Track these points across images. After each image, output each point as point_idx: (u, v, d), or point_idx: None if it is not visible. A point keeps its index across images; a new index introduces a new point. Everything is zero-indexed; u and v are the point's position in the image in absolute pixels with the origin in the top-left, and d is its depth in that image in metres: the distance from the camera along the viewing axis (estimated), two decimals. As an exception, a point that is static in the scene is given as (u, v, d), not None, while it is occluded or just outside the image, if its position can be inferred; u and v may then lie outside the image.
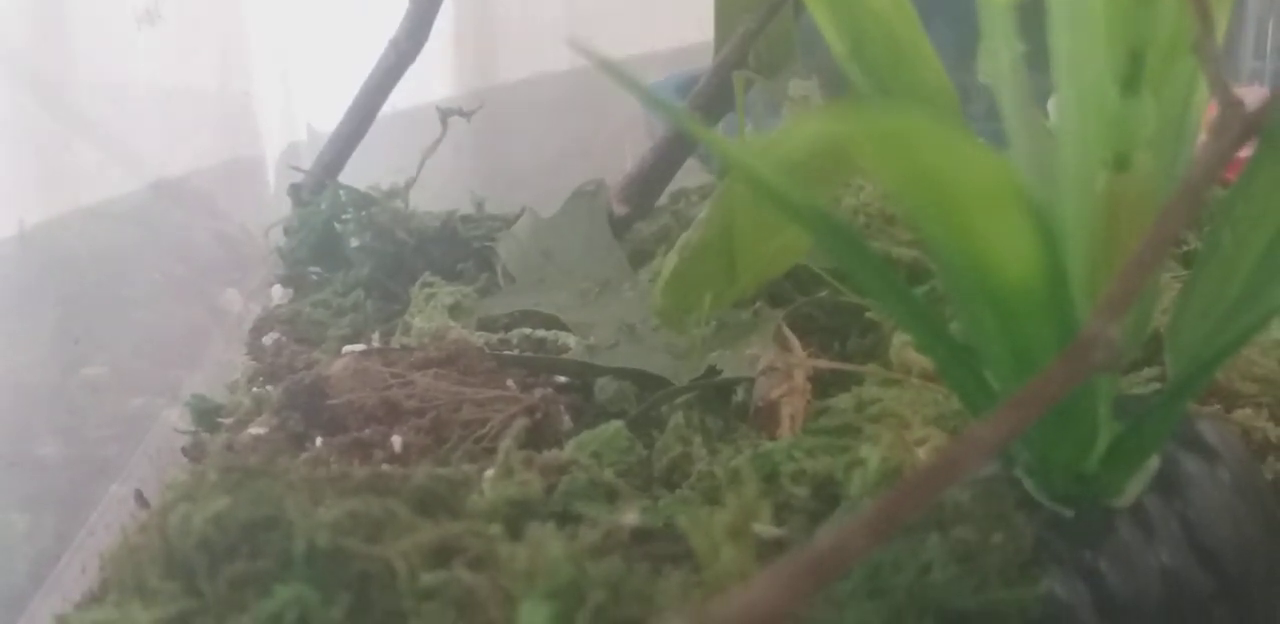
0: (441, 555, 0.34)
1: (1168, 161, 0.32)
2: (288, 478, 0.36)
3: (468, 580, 0.33)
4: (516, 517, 0.38)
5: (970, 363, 0.34)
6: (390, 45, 0.68)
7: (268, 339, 0.64)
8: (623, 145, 0.99)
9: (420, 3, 0.66)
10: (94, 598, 0.37)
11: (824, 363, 0.51)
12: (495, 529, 0.36)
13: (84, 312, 0.65)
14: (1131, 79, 0.31)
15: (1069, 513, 0.35)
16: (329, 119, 0.94)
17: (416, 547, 0.34)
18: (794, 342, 0.55)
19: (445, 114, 0.70)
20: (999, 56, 0.33)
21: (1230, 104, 0.32)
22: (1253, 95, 0.66)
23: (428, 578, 0.34)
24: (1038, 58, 0.35)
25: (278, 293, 0.70)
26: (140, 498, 0.47)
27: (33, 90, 0.65)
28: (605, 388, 0.54)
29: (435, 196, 0.72)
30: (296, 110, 0.92)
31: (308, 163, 0.80)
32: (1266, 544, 0.36)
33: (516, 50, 1.39)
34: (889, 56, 0.36)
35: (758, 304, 0.57)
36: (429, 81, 0.80)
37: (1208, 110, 0.61)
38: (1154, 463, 0.35)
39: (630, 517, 0.36)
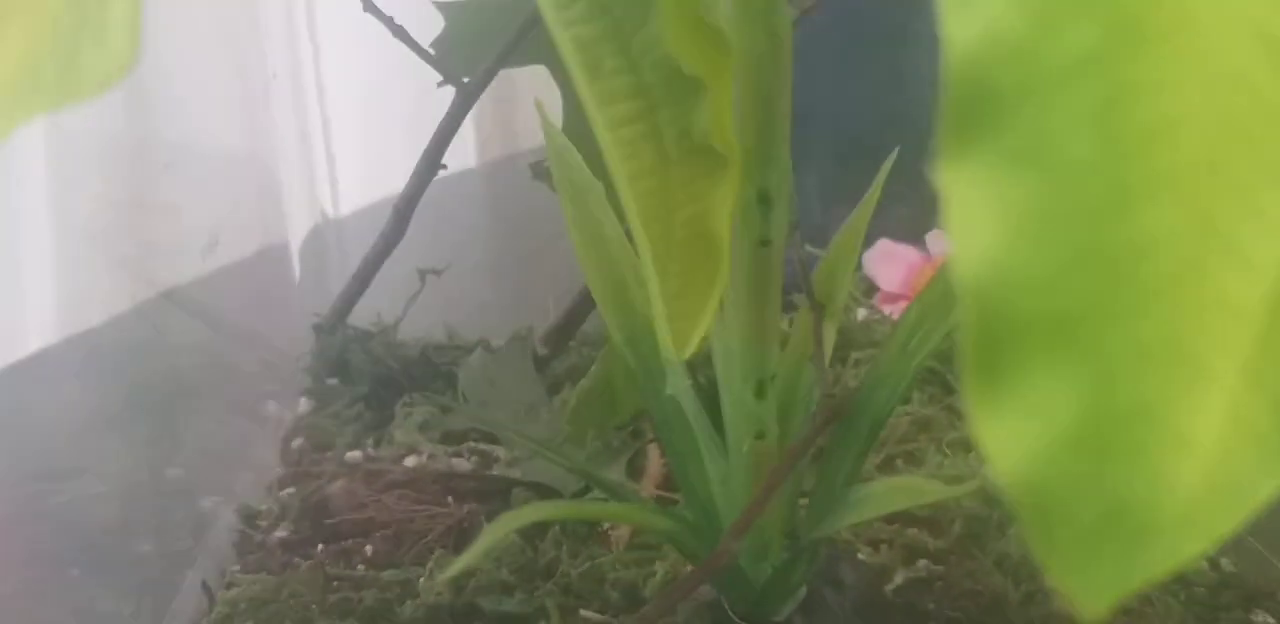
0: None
1: (789, 430, 0.48)
2: (289, 603, 0.53)
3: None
4: (436, 621, 0.56)
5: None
6: (379, 237, 0.83)
7: (295, 443, 0.80)
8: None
9: (402, 208, 0.81)
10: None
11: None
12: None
13: (165, 419, 0.79)
14: (760, 391, 0.48)
15: (748, 625, 0.51)
16: (342, 203, 1.06)
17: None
18: (653, 463, 0.72)
19: (423, 273, 0.86)
20: (678, 384, 0.50)
21: (825, 398, 0.49)
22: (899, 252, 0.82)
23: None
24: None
25: (304, 403, 0.85)
26: (206, 588, 0.62)
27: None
28: (518, 496, 0.69)
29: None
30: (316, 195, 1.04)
31: (326, 251, 0.95)
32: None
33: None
34: (649, 348, 0.52)
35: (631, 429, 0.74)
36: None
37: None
38: (802, 592, 0.52)
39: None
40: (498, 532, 0.35)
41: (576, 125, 0.79)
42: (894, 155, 0.53)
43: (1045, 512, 0.19)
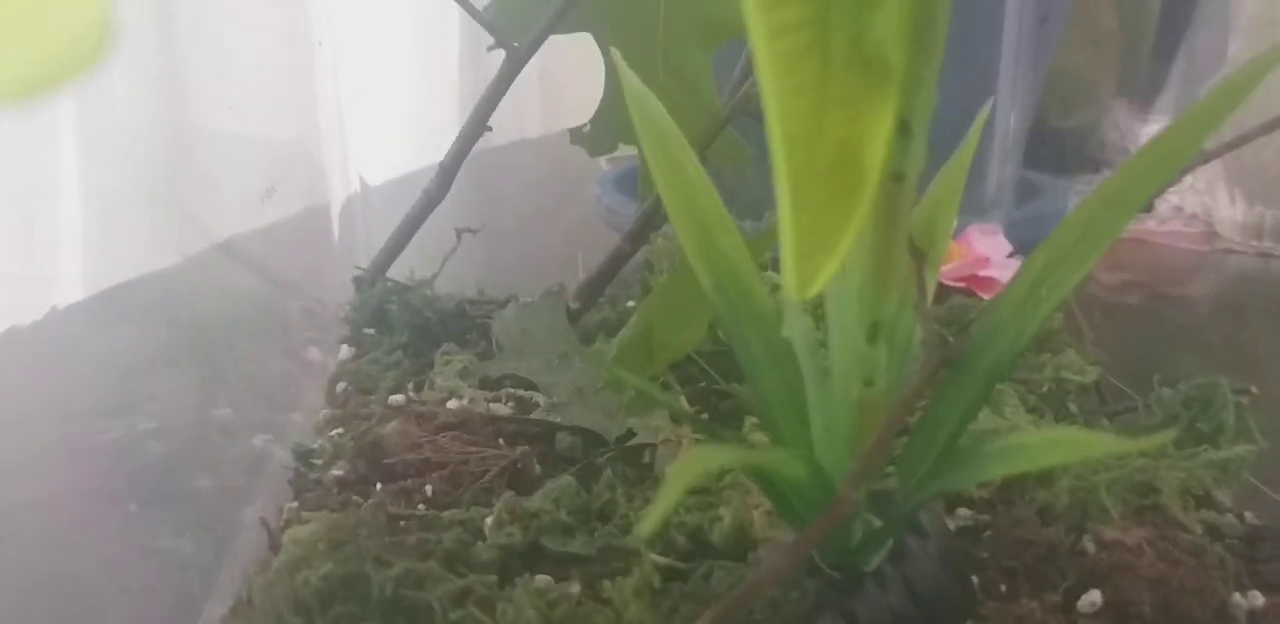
0: (461, 599, 0.41)
1: (896, 380, 0.39)
2: (366, 545, 0.43)
3: (478, 616, 0.40)
4: (506, 563, 0.45)
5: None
6: (423, 193, 0.73)
7: (339, 387, 0.70)
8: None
9: (448, 165, 0.71)
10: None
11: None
12: (492, 579, 0.43)
13: (210, 361, 0.68)
14: (873, 336, 0.38)
15: (838, 575, 0.42)
16: (378, 171, 0.97)
17: (447, 593, 0.41)
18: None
19: (459, 231, 0.76)
20: (795, 326, 0.40)
21: (932, 344, 0.39)
22: (989, 237, 0.72)
23: (454, 615, 0.41)
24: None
25: (345, 350, 0.75)
26: (265, 524, 0.52)
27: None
28: (562, 440, 0.59)
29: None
30: (351, 162, 0.93)
31: (362, 215, 0.85)
32: (956, 592, 0.43)
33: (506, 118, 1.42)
34: (738, 292, 0.42)
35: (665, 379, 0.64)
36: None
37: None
38: (890, 542, 0.42)
39: (574, 588, 0.43)
40: (680, 483, 0.25)
41: (615, 96, 0.69)
42: (989, 105, 0.43)
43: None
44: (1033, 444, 0.33)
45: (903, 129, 0.34)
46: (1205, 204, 1.14)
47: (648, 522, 0.24)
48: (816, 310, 0.41)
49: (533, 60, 0.68)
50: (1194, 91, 1.27)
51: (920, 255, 0.39)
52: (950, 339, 0.38)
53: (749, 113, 0.62)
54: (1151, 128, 1.29)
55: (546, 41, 0.66)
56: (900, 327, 0.39)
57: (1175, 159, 0.36)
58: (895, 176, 0.35)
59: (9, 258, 0.63)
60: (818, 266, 0.34)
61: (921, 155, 0.35)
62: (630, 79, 0.45)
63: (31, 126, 0.64)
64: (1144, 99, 1.31)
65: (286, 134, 0.83)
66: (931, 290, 0.40)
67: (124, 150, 0.69)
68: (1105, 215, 0.37)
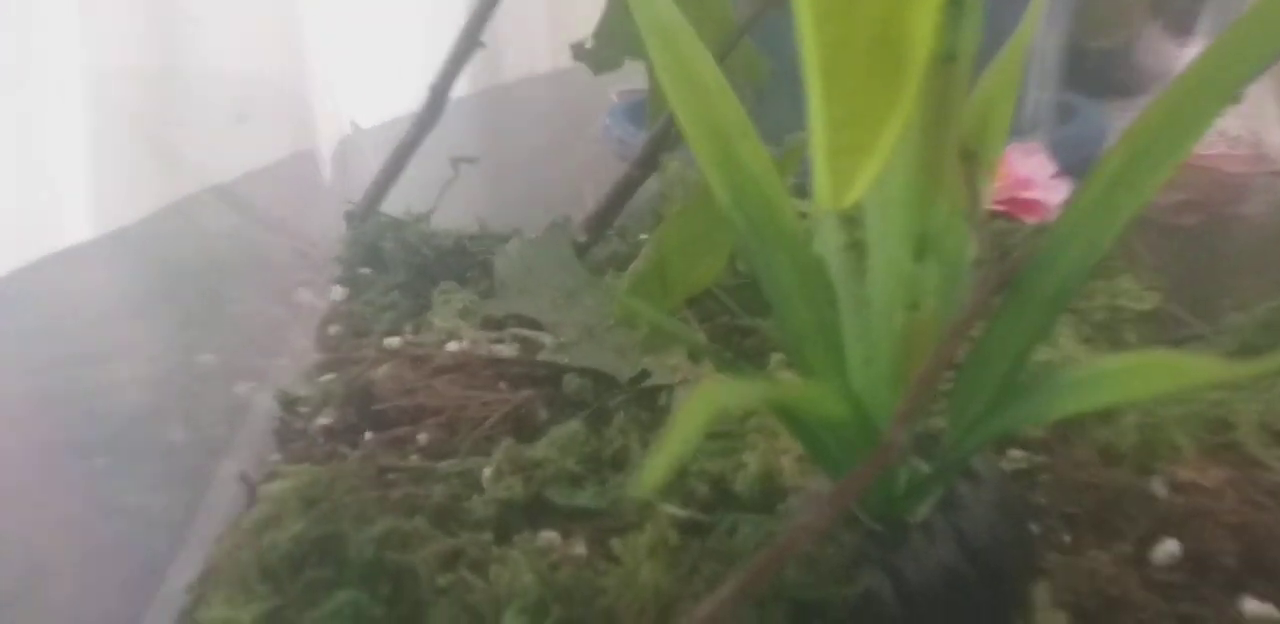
0: (451, 560, 0.36)
1: (945, 304, 0.33)
2: (344, 501, 0.38)
3: (469, 580, 0.35)
4: (504, 519, 0.40)
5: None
6: (414, 118, 0.67)
7: (331, 330, 0.65)
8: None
9: (438, 87, 0.65)
10: (202, 593, 0.37)
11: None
12: (487, 537, 0.38)
13: (192, 306, 0.64)
14: (920, 251, 0.32)
15: (880, 528, 0.37)
16: (370, 114, 0.92)
17: (434, 554, 0.36)
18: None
19: (455, 161, 0.70)
20: (828, 241, 0.35)
21: (989, 262, 0.34)
22: (1030, 157, 0.66)
23: (441, 580, 0.36)
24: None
25: (337, 291, 0.70)
26: (245, 478, 0.47)
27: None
28: (570, 382, 0.54)
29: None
30: (341, 102, 0.89)
31: (355, 158, 0.80)
32: (1014, 544, 0.38)
33: (514, 54, 1.36)
34: (761, 208, 0.37)
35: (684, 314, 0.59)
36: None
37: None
38: (939, 490, 0.37)
39: (579, 549, 0.38)
40: (693, 423, 0.20)
41: (619, 3, 0.63)
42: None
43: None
44: (1113, 373, 0.27)
45: (953, 1, 0.29)
46: (1252, 127, 1.08)
47: (654, 468, 0.19)
48: (852, 223, 0.35)
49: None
50: (1229, 16, 1.20)
51: (972, 157, 0.34)
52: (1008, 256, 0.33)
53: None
54: (1187, 51, 1.23)
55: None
56: (949, 242, 0.33)
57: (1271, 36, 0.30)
58: (945, 56, 0.29)
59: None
60: (854, 166, 0.29)
61: (976, 31, 0.29)
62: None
63: (22, 70, 0.60)
64: (1179, 23, 1.25)
65: (270, 72, 0.78)
66: (988, 199, 0.35)
67: (110, 93, 0.65)
68: (1193, 105, 0.31)
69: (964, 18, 0.29)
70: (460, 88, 0.71)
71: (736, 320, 0.58)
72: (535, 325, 0.61)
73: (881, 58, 0.27)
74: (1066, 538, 0.41)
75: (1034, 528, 0.40)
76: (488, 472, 0.44)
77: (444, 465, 0.45)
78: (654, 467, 0.20)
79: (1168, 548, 0.39)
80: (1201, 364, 0.25)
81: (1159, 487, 0.43)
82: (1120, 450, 0.46)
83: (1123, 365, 0.27)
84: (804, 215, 0.57)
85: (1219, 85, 0.30)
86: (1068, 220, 0.32)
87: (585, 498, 0.43)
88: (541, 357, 0.57)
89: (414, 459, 0.47)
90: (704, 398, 0.20)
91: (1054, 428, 0.48)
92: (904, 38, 0.27)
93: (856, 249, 0.34)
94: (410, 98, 0.75)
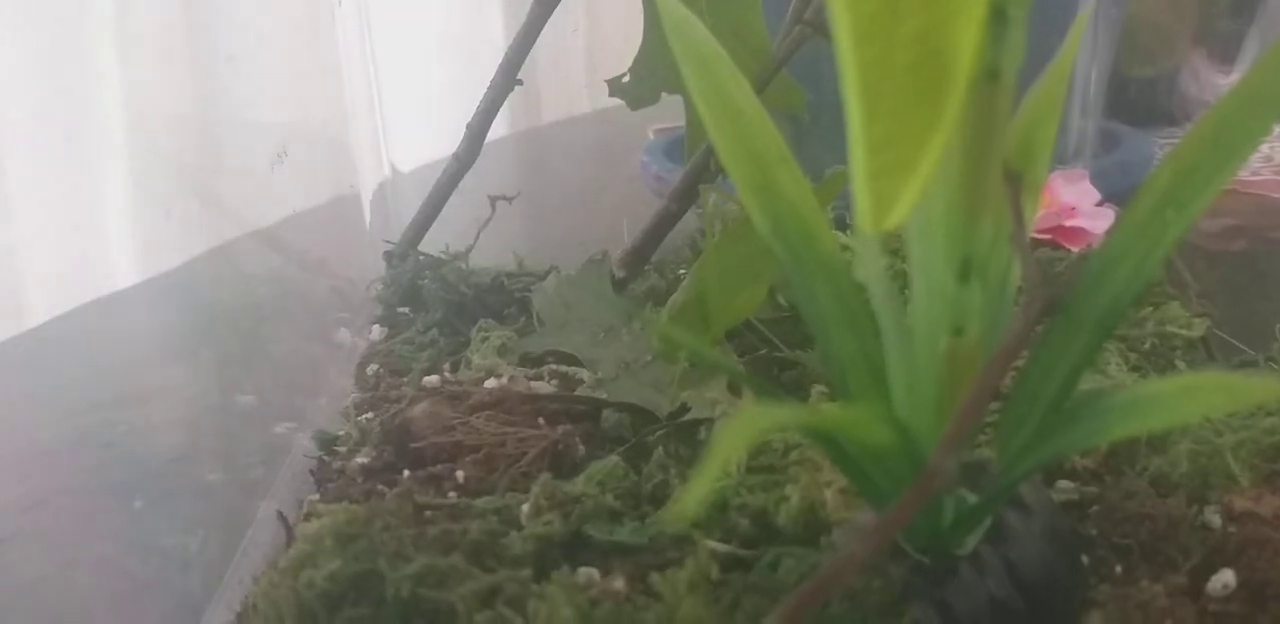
0: (489, 598, 0.36)
1: (990, 328, 0.32)
2: (381, 538, 0.37)
3: (507, 617, 0.35)
4: (543, 555, 0.40)
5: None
6: (452, 158, 0.67)
7: (370, 369, 0.65)
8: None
9: (475, 126, 0.65)
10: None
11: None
12: (526, 573, 0.37)
13: (232, 348, 0.64)
14: (964, 273, 0.32)
15: (927, 560, 0.36)
16: (409, 158, 0.92)
17: (472, 592, 0.35)
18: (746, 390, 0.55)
19: (493, 199, 0.70)
20: (870, 267, 0.34)
21: (1035, 285, 0.33)
22: (1075, 185, 0.65)
23: (479, 617, 0.35)
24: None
25: (376, 331, 0.70)
26: (282, 518, 0.47)
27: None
28: (608, 418, 0.54)
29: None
30: (382, 150, 0.90)
31: (394, 201, 0.80)
32: (1065, 576, 0.37)
33: (552, 94, 1.37)
34: (800, 235, 0.36)
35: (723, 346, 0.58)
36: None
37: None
38: (987, 521, 0.36)
39: (619, 583, 0.37)
40: (729, 449, 0.19)
41: (655, 37, 0.63)
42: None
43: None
44: (1165, 395, 0.26)
45: (997, 15, 0.28)
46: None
47: (688, 497, 0.18)
48: (893, 254, 0.35)
49: (579, 36, 0.63)
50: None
51: (1016, 178, 0.33)
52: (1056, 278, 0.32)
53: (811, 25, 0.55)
54: (1230, 80, 1.22)
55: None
56: (994, 264, 0.32)
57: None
58: (989, 74, 0.29)
59: (46, 253, 0.59)
60: (896, 188, 0.28)
61: (1020, 48, 0.29)
62: (669, 5, 0.40)
63: (69, 114, 0.60)
64: (1222, 52, 1.24)
65: (311, 118, 0.79)
66: (1033, 220, 0.34)
67: (154, 139, 0.66)
68: (1240, 123, 0.30)
69: (1007, 34, 0.28)
70: (499, 129, 0.71)
71: (776, 353, 0.58)
72: (573, 361, 0.61)
73: (923, 75, 0.27)
74: (1118, 569, 0.40)
75: (1085, 559, 0.39)
76: (526, 508, 0.43)
77: (482, 502, 0.45)
78: (692, 493, 0.19)
79: (1223, 578, 0.38)
80: (1256, 385, 0.24)
81: (1213, 516, 0.42)
82: (1173, 480, 0.45)
83: (1175, 387, 0.26)
84: (845, 247, 0.56)
85: (1267, 102, 0.30)
86: (1115, 242, 0.31)
87: (624, 533, 0.43)
88: (579, 392, 0.57)
89: (451, 496, 0.46)
90: (743, 424, 0.20)
91: (1104, 458, 0.47)
92: (946, 54, 0.26)
93: (898, 276, 0.34)
94: (450, 141, 0.76)
